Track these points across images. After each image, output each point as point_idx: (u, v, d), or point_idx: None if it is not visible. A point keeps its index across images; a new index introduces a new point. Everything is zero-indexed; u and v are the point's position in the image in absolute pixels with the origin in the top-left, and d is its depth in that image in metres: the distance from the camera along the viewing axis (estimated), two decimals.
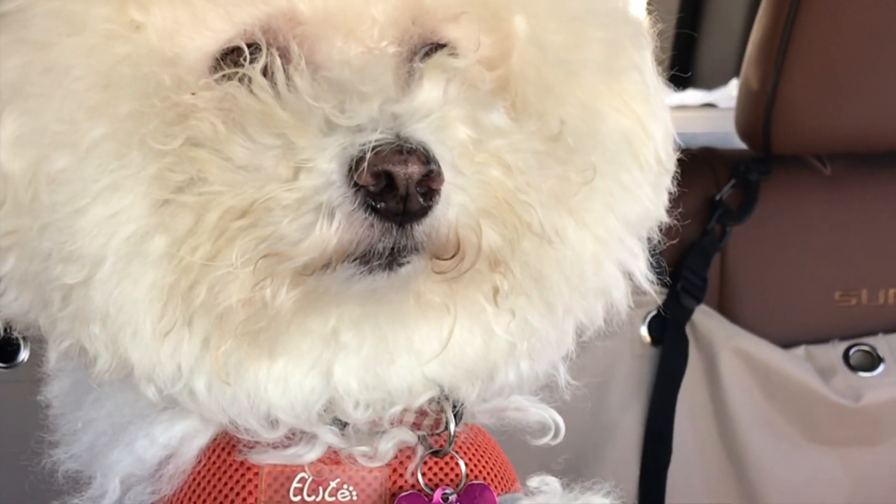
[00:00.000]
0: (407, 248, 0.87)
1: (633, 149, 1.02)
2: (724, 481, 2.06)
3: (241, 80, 0.90)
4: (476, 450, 1.06)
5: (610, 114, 1.00)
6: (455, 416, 1.03)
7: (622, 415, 2.00)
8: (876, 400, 2.02)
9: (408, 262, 0.88)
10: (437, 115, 0.86)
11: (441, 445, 1.03)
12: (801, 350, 2.07)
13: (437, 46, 0.98)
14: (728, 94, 2.99)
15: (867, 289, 2.09)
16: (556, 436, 1.12)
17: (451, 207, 0.87)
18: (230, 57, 0.93)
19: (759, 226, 2.06)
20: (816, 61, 1.95)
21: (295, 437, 0.99)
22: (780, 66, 1.95)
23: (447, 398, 1.02)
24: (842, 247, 2.09)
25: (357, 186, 0.84)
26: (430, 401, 1.01)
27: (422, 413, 1.02)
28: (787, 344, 2.07)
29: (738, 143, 2.13)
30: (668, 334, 1.97)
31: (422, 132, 0.85)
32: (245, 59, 0.91)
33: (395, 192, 0.83)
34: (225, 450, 1.00)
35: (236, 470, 0.99)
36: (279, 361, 0.94)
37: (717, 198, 2.07)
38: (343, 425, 0.99)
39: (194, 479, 1.00)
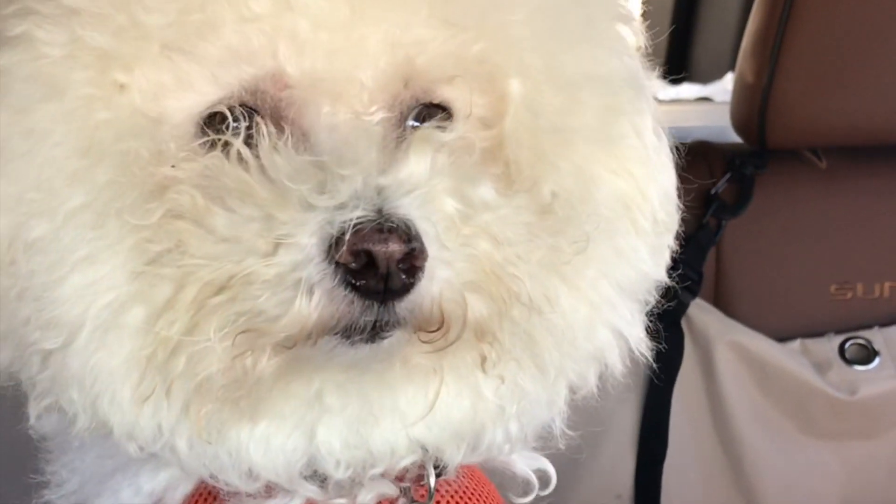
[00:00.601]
0: (389, 324, 0.86)
1: (631, 214, 1.00)
2: (719, 475, 2.06)
3: (224, 147, 0.89)
4: (464, 496, 1.06)
5: (606, 177, 0.98)
6: (439, 469, 1.03)
7: (618, 408, 2.01)
8: (871, 393, 2.02)
9: (391, 335, 0.87)
10: (422, 190, 0.85)
11: (424, 497, 1.02)
12: (796, 343, 2.07)
13: (431, 106, 0.97)
14: (723, 87, 2.98)
15: (863, 282, 2.09)
16: (544, 487, 1.12)
17: (435, 282, 0.86)
18: (215, 120, 0.92)
19: (755, 219, 2.06)
20: (812, 55, 1.95)
21: (274, 489, 0.98)
22: (775, 60, 1.95)
23: (428, 454, 1.00)
24: (837, 240, 2.09)
25: (337, 263, 0.82)
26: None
27: (404, 468, 1.01)
28: (782, 337, 2.07)
29: (734, 137, 2.13)
30: (664, 328, 1.97)
31: (405, 208, 0.84)
32: (228, 127, 0.90)
33: (375, 270, 0.82)
34: (207, 499, 1.01)
35: None
36: (261, 424, 0.93)
37: (713, 192, 2.07)
38: (323, 479, 0.99)
39: None
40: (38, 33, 0.89)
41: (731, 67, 2.17)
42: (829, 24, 1.94)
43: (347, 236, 0.81)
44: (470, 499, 1.06)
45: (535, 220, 0.93)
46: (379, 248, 0.82)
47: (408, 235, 0.82)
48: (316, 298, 0.83)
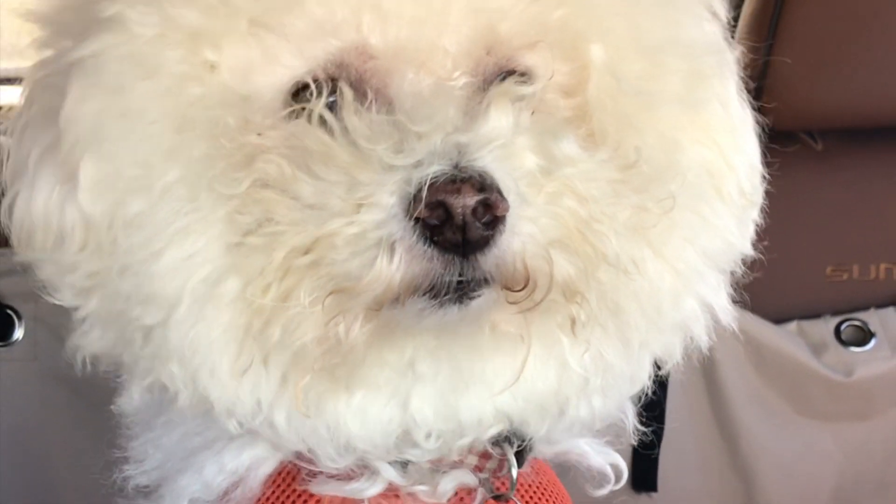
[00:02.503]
0: (474, 280, 0.86)
1: (715, 181, 1.00)
2: (716, 456, 2.07)
3: (309, 117, 0.90)
4: (537, 492, 1.06)
5: (690, 145, 0.98)
6: (519, 456, 1.03)
7: None
8: (867, 374, 2.04)
9: (479, 296, 0.88)
10: (499, 142, 0.85)
11: (502, 489, 1.02)
12: (792, 325, 2.08)
13: (513, 74, 0.96)
14: None
15: (858, 264, 2.10)
16: (617, 482, 1.12)
17: (518, 237, 0.86)
18: (302, 93, 0.93)
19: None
20: (807, 38, 1.95)
21: (357, 471, 0.99)
22: (771, 43, 1.95)
23: (509, 442, 1.01)
24: (833, 222, 2.10)
25: (417, 220, 0.83)
26: (494, 443, 1.01)
27: (485, 455, 1.02)
28: (779, 319, 2.08)
29: None
30: None
31: (482, 160, 0.84)
32: (313, 96, 0.91)
33: (452, 222, 0.83)
34: (287, 479, 1.02)
35: (300, 496, 1.01)
36: (357, 394, 0.94)
37: None
38: (405, 464, 1.00)
39: None
40: (131, 14, 0.90)
41: None
42: (825, 6, 1.94)
43: (424, 191, 0.82)
44: (543, 494, 1.07)
45: (620, 177, 0.92)
46: (452, 199, 0.82)
47: (481, 185, 0.83)
48: (398, 255, 0.84)
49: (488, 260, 0.85)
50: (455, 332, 0.91)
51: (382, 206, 0.84)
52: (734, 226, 1.02)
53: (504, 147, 0.85)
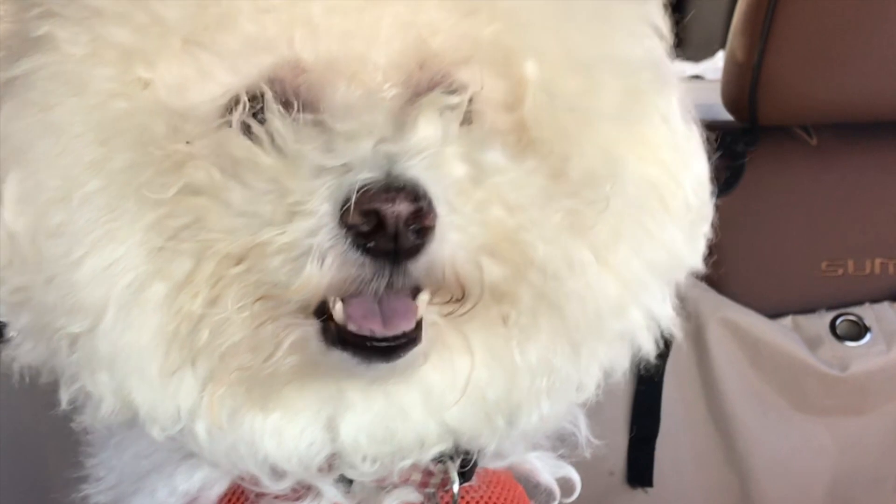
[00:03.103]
0: (404, 287, 0.87)
1: (661, 195, 1.00)
2: (712, 451, 2.07)
3: (243, 129, 0.91)
4: None
5: (632, 161, 0.98)
6: (466, 472, 1.03)
7: (610, 385, 2.01)
8: (862, 369, 2.03)
9: (407, 350, 0.89)
10: (430, 152, 0.86)
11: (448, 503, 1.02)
12: (788, 320, 2.08)
13: (449, 92, 0.96)
14: (714, 66, 2.98)
15: (853, 259, 2.09)
16: (568, 495, 1.12)
17: (447, 245, 0.86)
18: (235, 108, 0.93)
19: (746, 197, 2.07)
20: (802, 32, 1.95)
21: (301, 492, 1.00)
22: (765, 38, 1.94)
23: (452, 458, 1.02)
24: (828, 217, 2.10)
25: (348, 226, 0.84)
26: (437, 460, 1.01)
27: (429, 472, 1.02)
28: (774, 314, 2.07)
29: (725, 115, 2.13)
30: None
31: (413, 169, 0.84)
32: (245, 109, 0.92)
33: (385, 230, 0.83)
34: (237, 501, 1.02)
35: None
36: (273, 414, 0.94)
37: None
38: (349, 482, 1.00)
39: None
40: (61, 34, 0.91)
41: (723, 46, 2.17)
42: (819, 1, 1.94)
43: (355, 197, 0.82)
44: None
45: (549, 184, 0.93)
46: (387, 208, 0.83)
47: (415, 195, 0.83)
48: (328, 262, 0.84)
49: (418, 267, 0.86)
50: (387, 380, 0.92)
51: (313, 213, 0.84)
52: (681, 240, 1.02)
53: (434, 156, 0.86)
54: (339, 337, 0.89)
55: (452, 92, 0.95)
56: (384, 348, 0.88)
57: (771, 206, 2.09)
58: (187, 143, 0.91)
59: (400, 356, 0.89)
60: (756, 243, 2.09)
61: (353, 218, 0.83)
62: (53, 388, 0.98)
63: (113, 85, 0.91)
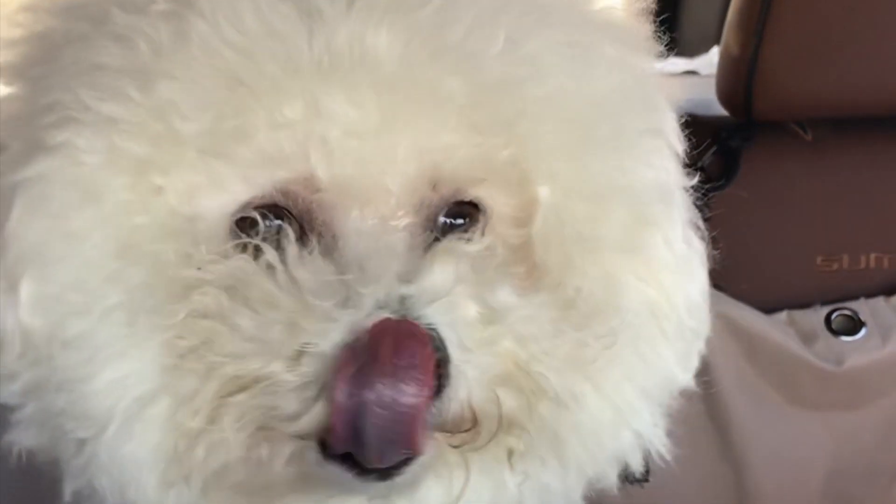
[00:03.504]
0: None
1: (657, 320, 1.00)
2: (707, 446, 2.07)
3: (253, 252, 0.90)
4: None
5: (633, 284, 0.98)
6: None
7: None
8: (858, 364, 2.04)
9: (408, 465, 0.87)
10: (444, 299, 0.85)
11: None
12: (783, 315, 2.08)
13: (461, 204, 0.97)
14: (709, 61, 2.98)
15: (848, 253, 2.10)
16: None
17: (462, 384, 0.86)
18: (246, 224, 0.93)
19: (741, 192, 2.07)
20: (797, 27, 1.95)
21: None
22: (760, 32, 1.94)
23: None
24: (823, 212, 2.10)
25: None
26: None
27: None
28: (769, 309, 2.07)
29: (720, 110, 2.13)
30: None
31: (429, 317, 0.84)
32: (258, 232, 0.91)
33: None
34: None
35: None
36: None
37: (699, 165, 2.07)
38: None
39: None
40: (78, 141, 0.89)
41: (717, 41, 2.17)
42: None
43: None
44: None
45: (560, 316, 0.93)
46: None
47: (433, 345, 0.83)
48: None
49: (432, 411, 0.85)
50: (386, 496, 0.91)
51: (324, 357, 0.83)
52: (675, 363, 1.02)
53: (448, 302, 0.86)
54: (337, 457, 0.88)
55: (464, 207, 0.96)
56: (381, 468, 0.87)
57: (766, 201, 2.09)
58: (198, 269, 0.90)
59: (399, 473, 0.87)
60: (751, 238, 2.09)
61: None
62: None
63: (129, 195, 0.90)
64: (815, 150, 2.11)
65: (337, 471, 0.88)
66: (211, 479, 0.91)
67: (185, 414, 0.88)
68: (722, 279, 2.09)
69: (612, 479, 1.03)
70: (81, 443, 0.91)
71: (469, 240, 0.94)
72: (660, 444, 1.04)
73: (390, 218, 0.93)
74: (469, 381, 0.86)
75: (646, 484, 2.06)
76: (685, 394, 1.07)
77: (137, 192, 0.91)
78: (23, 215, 0.90)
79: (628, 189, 0.98)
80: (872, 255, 2.11)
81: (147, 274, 0.90)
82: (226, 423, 0.87)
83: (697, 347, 1.06)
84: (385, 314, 0.83)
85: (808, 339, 2.05)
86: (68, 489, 0.97)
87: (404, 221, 0.94)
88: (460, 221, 0.97)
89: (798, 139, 2.11)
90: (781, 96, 2.01)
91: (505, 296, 0.90)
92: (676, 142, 1.04)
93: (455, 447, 0.91)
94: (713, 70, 2.15)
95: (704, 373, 2.01)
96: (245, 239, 0.92)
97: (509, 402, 0.90)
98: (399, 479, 0.88)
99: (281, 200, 0.93)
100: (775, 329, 2.05)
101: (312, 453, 0.89)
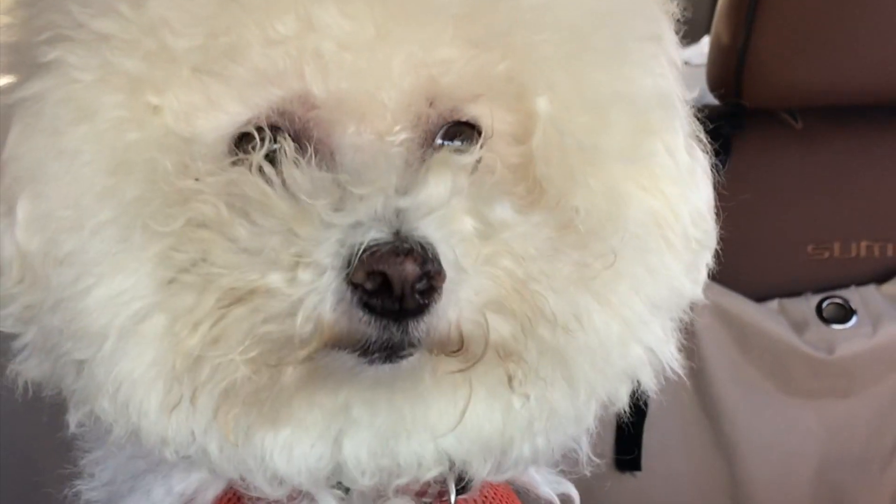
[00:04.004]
0: (405, 344, 0.86)
1: (663, 232, 0.99)
2: (699, 435, 2.08)
3: (249, 167, 0.90)
4: None
5: (636, 195, 0.97)
6: (463, 486, 1.03)
7: None
8: (849, 352, 2.04)
9: (409, 355, 0.88)
10: (440, 212, 0.85)
11: None
12: (774, 304, 2.08)
13: (459, 124, 0.96)
14: (700, 51, 2.98)
15: (839, 242, 2.10)
16: None
17: (454, 303, 0.86)
18: (244, 142, 0.93)
19: (732, 181, 2.04)
20: (787, 15, 1.95)
21: (297, 497, 1.00)
22: (750, 21, 1.95)
23: (450, 469, 1.00)
24: (814, 200, 2.10)
25: (353, 284, 0.83)
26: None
27: (426, 483, 1.01)
28: (760, 298, 2.08)
29: (711, 100, 2.13)
30: None
31: (424, 229, 0.84)
32: (255, 147, 0.91)
33: (390, 291, 0.82)
34: (232, 502, 1.02)
35: None
36: (284, 431, 0.94)
37: None
38: (346, 490, 1.00)
39: None
40: (70, 59, 0.90)
41: (708, 31, 2.17)
42: None
43: (362, 257, 0.82)
44: None
45: (557, 236, 0.92)
46: (394, 271, 0.82)
47: (423, 258, 0.83)
48: (332, 317, 0.84)
49: (421, 326, 0.85)
50: (391, 386, 0.91)
51: (321, 267, 0.83)
52: (682, 274, 1.01)
53: (443, 215, 0.85)
54: None
55: (462, 128, 0.95)
56: (384, 354, 0.87)
57: (757, 190, 2.09)
58: (196, 179, 0.90)
59: (402, 358, 0.88)
60: (742, 227, 2.09)
61: (358, 277, 0.82)
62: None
63: (123, 112, 0.91)
64: (806, 139, 2.11)
65: (341, 355, 0.88)
66: (220, 399, 0.91)
67: (183, 329, 0.88)
68: (712, 267, 2.11)
69: (623, 400, 1.02)
70: (80, 365, 0.91)
71: (465, 150, 0.93)
72: (671, 358, 1.03)
73: (386, 133, 0.93)
74: (460, 302, 0.86)
75: (637, 473, 2.08)
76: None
77: (132, 110, 0.91)
78: (19, 135, 0.91)
79: (628, 97, 0.97)
80: (863, 243, 2.11)
81: (142, 187, 0.90)
82: (230, 343, 0.87)
83: (704, 259, 1.05)
84: (377, 229, 0.83)
85: (799, 327, 2.06)
86: (73, 419, 0.97)
87: (401, 136, 0.93)
88: (458, 143, 0.96)
89: (788, 127, 2.11)
90: (771, 85, 2.01)
91: (503, 211, 0.90)
92: (674, 51, 1.03)
93: (446, 359, 0.90)
94: (704, 60, 2.15)
95: (695, 361, 2.04)
96: (242, 155, 0.92)
97: (503, 329, 0.89)
98: (404, 364, 0.88)
99: (277, 120, 0.93)
100: (766, 318, 2.05)
101: (316, 359, 0.88)
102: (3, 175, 0.92)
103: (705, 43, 2.53)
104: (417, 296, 0.84)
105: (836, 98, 2.04)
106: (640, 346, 0.99)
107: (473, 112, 0.97)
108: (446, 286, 0.85)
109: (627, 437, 2.01)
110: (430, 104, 0.95)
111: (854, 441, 2.09)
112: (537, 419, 0.97)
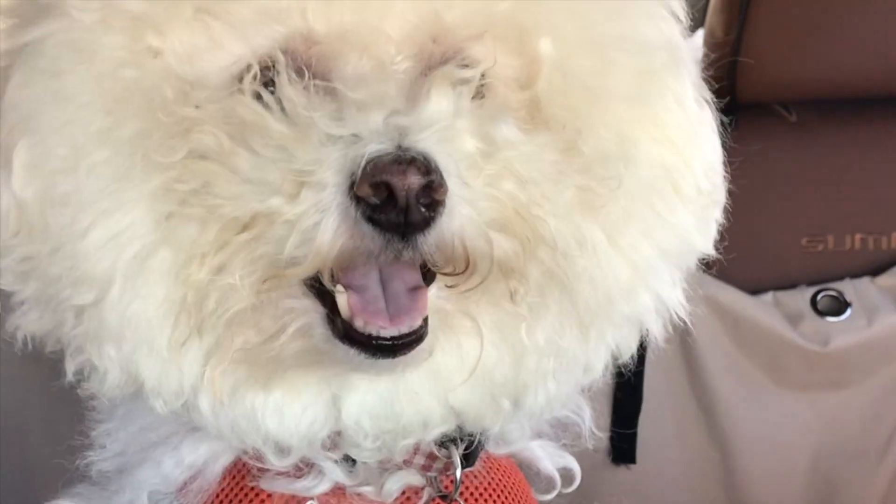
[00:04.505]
0: (411, 260, 0.86)
1: (672, 177, 0.99)
2: (694, 428, 2.08)
3: (253, 97, 0.89)
4: (486, 492, 1.05)
5: (645, 142, 0.97)
6: (469, 457, 1.03)
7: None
8: (843, 344, 2.04)
9: (414, 347, 0.88)
10: (442, 125, 0.85)
11: (450, 489, 1.02)
12: (769, 296, 2.09)
13: (463, 67, 0.94)
14: (694, 44, 2.98)
15: (833, 234, 2.10)
16: (568, 485, 1.12)
17: (457, 219, 0.85)
18: (246, 77, 0.92)
19: (726, 174, 2.07)
20: (781, 8, 1.95)
21: (304, 469, 0.99)
22: (744, 14, 1.95)
23: (454, 442, 1.01)
24: (808, 193, 2.10)
25: (357, 198, 0.82)
26: (441, 444, 1.01)
27: (432, 456, 1.01)
28: (755, 290, 2.08)
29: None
30: None
31: (424, 142, 0.83)
32: (256, 78, 0.90)
33: (395, 203, 0.82)
34: (240, 475, 1.02)
35: (250, 492, 1.01)
36: (275, 392, 0.94)
37: None
38: (353, 462, 1.00)
39: (215, 499, 1.02)
40: (72, 0, 0.90)
41: (702, 25, 2.17)
42: None
43: (365, 168, 0.81)
44: (494, 491, 1.06)
45: (562, 158, 0.92)
46: (397, 180, 0.81)
47: (426, 168, 0.82)
48: (335, 233, 0.84)
49: (427, 240, 0.85)
50: (392, 372, 0.92)
51: (323, 185, 0.83)
52: (693, 225, 1.01)
53: (445, 130, 0.85)
54: (345, 333, 0.88)
55: (465, 66, 0.94)
56: (390, 345, 0.87)
57: (751, 182, 2.08)
58: (196, 107, 0.90)
59: (406, 352, 0.88)
60: (736, 219, 2.09)
61: (363, 190, 0.82)
62: (42, 370, 0.98)
63: (122, 53, 0.90)
64: (800, 132, 2.11)
65: (347, 351, 0.88)
66: (222, 333, 0.91)
67: (190, 262, 0.88)
68: (707, 261, 2.11)
69: (631, 348, 1.02)
70: (80, 311, 0.91)
71: (466, 66, 0.93)
72: (679, 307, 1.03)
73: (389, 62, 0.92)
74: (463, 217, 0.86)
75: (632, 466, 2.08)
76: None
77: (133, 52, 0.90)
78: (19, 82, 0.91)
79: (632, 40, 0.97)
80: (857, 236, 2.11)
81: (141, 121, 0.89)
82: (234, 269, 0.86)
83: (714, 215, 1.05)
84: (379, 141, 0.82)
85: (793, 319, 2.06)
86: (70, 368, 0.97)
87: (403, 65, 0.93)
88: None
89: (782, 121, 2.11)
90: (765, 78, 2.01)
91: (507, 129, 0.89)
92: (677, 5, 1.03)
93: (450, 287, 0.91)
94: (698, 54, 2.15)
95: (690, 354, 2.04)
96: (241, 85, 0.91)
97: (505, 245, 0.89)
98: (407, 356, 0.88)
99: (280, 58, 0.92)
100: (761, 310, 2.05)
101: (320, 330, 0.89)
102: (2, 125, 0.91)
103: (699, 36, 2.53)
104: (422, 208, 0.83)
105: (830, 91, 2.04)
106: (649, 292, 0.99)
107: (476, 53, 0.96)
108: (450, 200, 0.84)
109: (623, 429, 2.01)
110: (434, 41, 0.94)
111: (848, 433, 2.09)
112: (546, 357, 0.97)
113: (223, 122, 0.88)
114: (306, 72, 0.90)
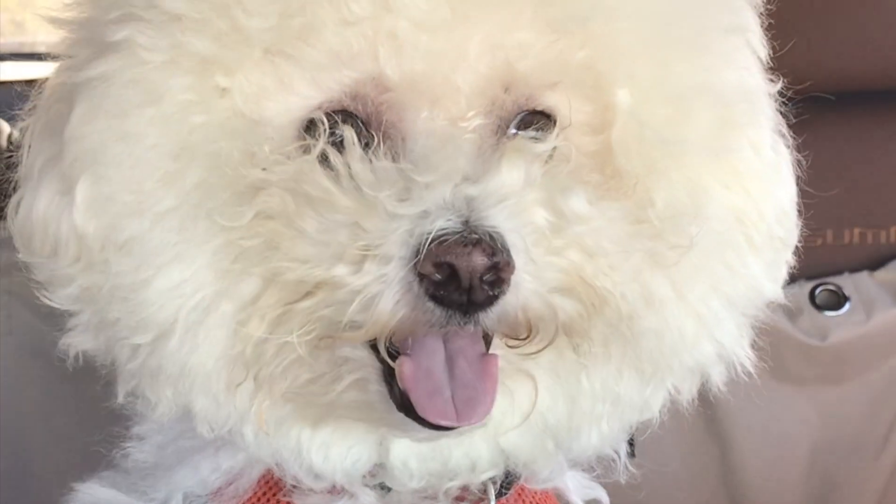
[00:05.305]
0: (473, 332, 0.86)
1: (745, 229, 0.97)
2: (693, 423, 2.07)
3: (320, 154, 0.88)
4: None
5: (718, 191, 0.95)
6: (504, 487, 1.02)
7: None
8: (842, 338, 2.04)
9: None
10: (512, 201, 0.83)
11: None
12: None
13: (534, 113, 0.94)
14: None
15: (832, 229, 2.10)
16: None
17: (522, 293, 0.84)
18: (313, 128, 0.91)
19: None
20: (776, 3, 1.94)
21: (337, 490, 0.99)
22: None
23: (492, 479, 0.99)
24: (806, 188, 2.09)
25: (421, 275, 0.81)
26: None
27: (466, 488, 1.00)
28: None
29: None
30: None
31: (493, 219, 0.82)
32: (325, 132, 0.89)
33: (458, 282, 0.81)
34: (274, 487, 1.02)
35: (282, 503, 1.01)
36: (323, 430, 0.93)
37: None
38: (387, 489, 0.99)
39: None
40: (140, 39, 0.89)
41: None
42: None
43: (430, 247, 0.80)
44: None
45: (634, 230, 0.90)
46: (462, 261, 0.80)
47: (492, 248, 0.81)
48: (398, 306, 0.82)
49: (490, 316, 0.84)
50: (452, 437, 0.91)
51: (388, 259, 0.82)
52: (763, 273, 0.99)
53: (515, 205, 0.83)
54: (403, 403, 0.87)
55: (540, 115, 0.93)
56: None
57: None
58: (263, 169, 0.89)
59: (460, 430, 0.87)
60: None
61: (426, 268, 0.81)
62: (37, 360, 0.99)
63: (190, 95, 0.89)
64: (797, 127, 2.10)
65: (405, 420, 0.87)
66: (277, 376, 0.90)
67: (253, 322, 0.87)
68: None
69: (691, 392, 1.01)
70: (136, 348, 0.91)
71: (541, 139, 0.91)
72: (743, 355, 1.02)
73: (460, 118, 0.91)
74: (528, 290, 0.84)
75: (631, 459, 2.07)
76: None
77: (200, 92, 0.89)
78: (83, 115, 0.90)
79: (711, 90, 0.95)
80: (856, 230, 2.11)
81: (207, 174, 0.88)
82: (291, 327, 0.86)
83: (785, 258, 1.03)
84: (445, 218, 0.81)
85: (792, 314, 2.05)
86: (121, 391, 0.97)
87: (474, 122, 0.91)
88: (532, 133, 0.94)
89: (783, 115, 2.10)
90: (767, 72, 2.00)
91: (577, 203, 0.87)
92: (758, 44, 1.01)
93: (512, 348, 0.89)
94: None
95: None
96: (310, 140, 0.90)
97: (568, 309, 0.87)
98: (464, 429, 0.87)
99: (350, 104, 0.92)
100: None
101: (375, 386, 0.88)
102: (65, 154, 0.90)
103: None
104: (486, 287, 0.82)
105: (828, 85, 2.03)
106: (712, 343, 0.97)
107: (549, 101, 0.95)
108: (515, 276, 0.83)
109: None
110: (506, 90, 0.93)
111: (847, 428, 2.09)
112: (601, 403, 0.96)
113: (290, 182, 0.87)
114: (377, 134, 0.89)
